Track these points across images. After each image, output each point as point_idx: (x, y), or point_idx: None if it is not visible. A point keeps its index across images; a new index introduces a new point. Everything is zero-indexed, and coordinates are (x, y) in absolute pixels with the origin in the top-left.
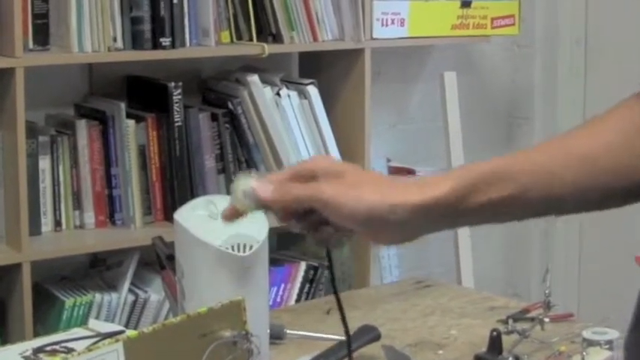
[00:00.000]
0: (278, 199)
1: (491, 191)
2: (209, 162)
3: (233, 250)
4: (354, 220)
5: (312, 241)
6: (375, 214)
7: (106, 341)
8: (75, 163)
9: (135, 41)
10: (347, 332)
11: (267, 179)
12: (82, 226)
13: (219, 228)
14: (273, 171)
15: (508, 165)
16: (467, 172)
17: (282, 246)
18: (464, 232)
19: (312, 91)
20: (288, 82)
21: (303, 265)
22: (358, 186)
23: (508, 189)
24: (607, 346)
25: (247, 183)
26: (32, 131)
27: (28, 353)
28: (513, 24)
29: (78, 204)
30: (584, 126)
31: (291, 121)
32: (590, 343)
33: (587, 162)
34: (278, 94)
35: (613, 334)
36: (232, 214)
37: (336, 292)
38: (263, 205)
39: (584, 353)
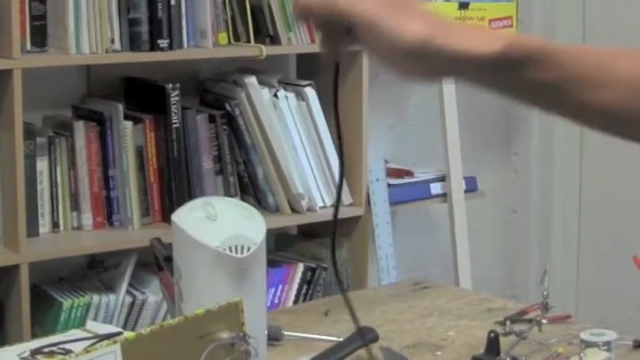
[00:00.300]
0: (313, 4)
1: (547, 69)
2: (207, 163)
3: (231, 251)
4: (389, 52)
5: (321, 50)
6: (418, 51)
7: (104, 343)
8: (72, 164)
9: (132, 43)
10: (356, 322)
11: None
12: (79, 228)
13: (217, 229)
14: (271, 173)
15: (568, 50)
16: (518, 40)
17: (280, 247)
18: (462, 233)
19: (310, 92)
20: (285, 84)
21: (300, 267)
22: (403, 9)
23: (562, 71)
24: (605, 348)
25: None
26: (30, 133)
27: (25, 355)
28: (511, 25)
29: (76, 205)
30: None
31: (289, 123)
32: (588, 345)
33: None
34: (276, 95)
35: (611, 335)
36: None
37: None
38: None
39: (582, 355)
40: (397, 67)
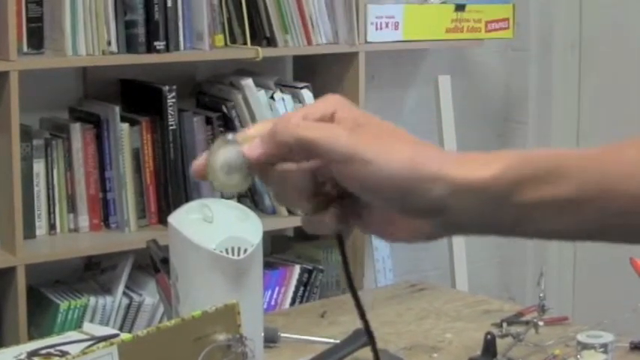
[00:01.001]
0: (271, 150)
1: (551, 187)
2: None
3: (227, 253)
4: (375, 187)
5: (311, 224)
6: (405, 182)
7: (101, 344)
8: (69, 166)
9: (129, 45)
10: (368, 330)
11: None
12: (76, 230)
13: (214, 231)
14: None
15: (574, 158)
16: (523, 157)
17: (277, 249)
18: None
19: (307, 94)
20: (282, 86)
21: (297, 269)
22: (386, 139)
23: (569, 188)
24: (602, 350)
25: (231, 150)
26: (26, 135)
27: (22, 357)
28: (508, 27)
29: (72, 207)
30: None
31: None
32: (585, 347)
33: None
34: (272, 97)
35: (608, 337)
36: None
37: (353, 289)
38: (255, 172)
39: (579, 356)
40: (388, 204)
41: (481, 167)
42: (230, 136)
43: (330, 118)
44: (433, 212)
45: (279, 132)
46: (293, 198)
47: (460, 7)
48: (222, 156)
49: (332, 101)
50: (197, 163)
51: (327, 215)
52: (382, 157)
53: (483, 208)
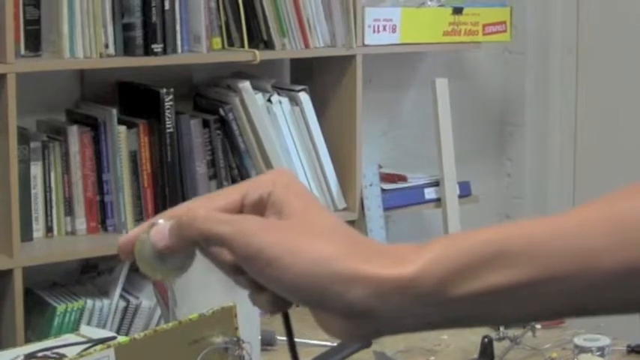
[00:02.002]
0: (177, 243)
1: (494, 274)
2: (200, 168)
3: None
4: (286, 288)
5: (253, 301)
6: (321, 283)
7: (98, 347)
8: (66, 169)
9: (126, 47)
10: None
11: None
12: (73, 232)
13: None
14: None
15: (520, 237)
16: (457, 244)
17: None
18: None
19: (304, 97)
20: (279, 89)
21: None
22: (304, 232)
23: (519, 272)
24: (598, 353)
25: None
26: (24, 137)
27: (19, 359)
28: (505, 31)
29: (69, 210)
30: (627, 190)
31: (283, 128)
32: (582, 350)
33: None
34: (269, 100)
35: (604, 340)
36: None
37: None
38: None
39: None
40: (305, 305)
41: (405, 262)
42: (160, 221)
43: (260, 202)
44: (358, 314)
45: (184, 226)
46: (227, 274)
47: (457, 11)
48: (141, 248)
49: (274, 179)
50: (122, 241)
51: (262, 296)
52: (288, 257)
53: (414, 307)
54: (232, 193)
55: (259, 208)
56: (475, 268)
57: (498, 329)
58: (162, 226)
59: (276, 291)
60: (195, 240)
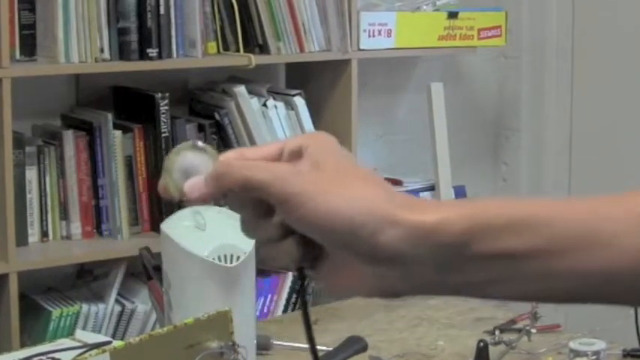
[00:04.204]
0: (213, 192)
1: (514, 239)
2: None
3: (220, 260)
4: (320, 227)
5: (270, 254)
6: (355, 222)
7: (93, 352)
8: (62, 173)
9: (122, 52)
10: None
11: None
12: (68, 237)
13: (206, 239)
14: None
15: (545, 209)
16: (485, 205)
17: None
18: None
19: (299, 101)
20: (274, 93)
21: (289, 276)
22: (339, 178)
23: (539, 241)
24: (594, 357)
25: (187, 160)
26: (19, 142)
27: None
28: (500, 35)
29: (65, 214)
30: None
31: (278, 132)
32: (577, 354)
33: None
34: (265, 104)
35: (600, 344)
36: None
37: (310, 335)
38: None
39: None
40: (336, 245)
41: (434, 211)
42: (200, 143)
43: (297, 151)
44: (385, 258)
45: (222, 176)
46: (250, 222)
47: (453, 15)
48: (185, 159)
49: (313, 136)
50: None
51: (284, 245)
52: (322, 197)
53: (437, 257)
54: (270, 146)
55: (295, 158)
56: (498, 229)
57: (494, 333)
58: (197, 179)
59: (308, 233)
60: (232, 188)
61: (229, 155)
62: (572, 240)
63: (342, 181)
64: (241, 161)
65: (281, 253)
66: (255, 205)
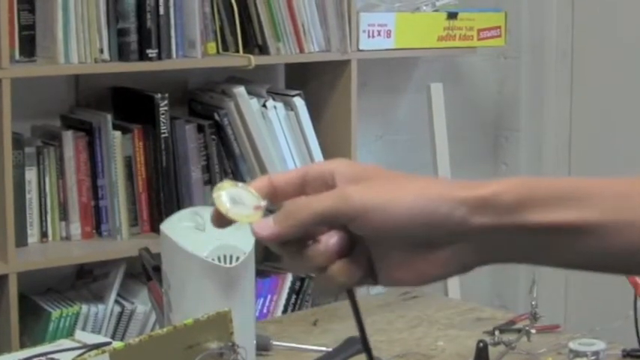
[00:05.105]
0: (288, 230)
1: (567, 211)
2: (195, 173)
3: (219, 261)
4: (396, 225)
5: (325, 288)
6: (428, 210)
7: (93, 352)
8: (61, 174)
9: (121, 53)
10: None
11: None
12: (68, 238)
13: (206, 239)
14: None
15: (595, 185)
16: (537, 179)
17: (269, 257)
18: None
19: (299, 102)
20: (274, 94)
21: (289, 277)
22: (393, 185)
23: (590, 214)
24: (593, 357)
25: (234, 192)
26: (18, 142)
27: None
28: (499, 35)
29: (64, 215)
30: None
31: (278, 133)
32: (577, 354)
33: None
34: (264, 105)
35: (600, 345)
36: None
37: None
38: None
39: None
40: (417, 240)
41: (489, 185)
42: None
43: (331, 177)
44: (459, 236)
45: (291, 213)
46: (296, 258)
47: (452, 16)
48: (230, 191)
49: (331, 161)
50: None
51: (336, 266)
52: (394, 200)
53: (502, 227)
54: (293, 172)
55: (319, 185)
56: (548, 201)
57: (494, 333)
58: (266, 220)
59: (388, 237)
60: (307, 224)
61: (258, 184)
62: (622, 214)
63: (394, 183)
64: (303, 199)
65: (334, 274)
66: (301, 240)
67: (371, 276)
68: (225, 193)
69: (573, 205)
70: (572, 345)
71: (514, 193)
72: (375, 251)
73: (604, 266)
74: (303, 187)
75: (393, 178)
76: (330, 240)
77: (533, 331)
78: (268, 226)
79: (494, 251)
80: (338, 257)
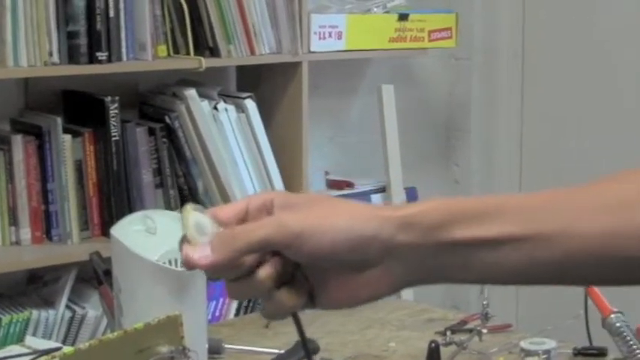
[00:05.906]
0: (224, 258)
1: (486, 227)
2: (146, 176)
3: (170, 264)
4: (331, 250)
5: (270, 313)
6: (357, 231)
7: (43, 358)
8: (11, 178)
9: (71, 55)
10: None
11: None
12: (18, 242)
13: (157, 243)
14: (211, 186)
15: (513, 200)
16: (457, 200)
17: None
18: None
19: (250, 104)
20: (225, 96)
21: None
22: (327, 209)
23: (509, 227)
24: (545, 356)
25: (198, 218)
26: None
27: None
28: (450, 37)
29: (14, 220)
30: (605, 179)
31: (229, 135)
32: (528, 354)
33: (625, 209)
34: (215, 107)
35: (550, 343)
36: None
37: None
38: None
39: None
40: (350, 262)
41: (415, 206)
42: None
43: (271, 205)
44: (386, 254)
45: (228, 242)
46: (238, 286)
47: (403, 17)
48: (195, 217)
49: (272, 192)
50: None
51: (281, 292)
52: (326, 225)
53: (427, 244)
54: (237, 204)
55: (261, 213)
56: (471, 217)
57: (445, 334)
58: (203, 249)
59: (321, 262)
60: (241, 251)
61: (213, 214)
62: (540, 226)
63: (328, 208)
64: (239, 227)
65: (280, 299)
66: (243, 268)
67: (312, 300)
68: (192, 221)
69: (495, 220)
70: (523, 344)
71: (438, 212)
72: (313, 275)
73: (531, 279)
74: (246, 216)
75: (326, 204)
76: (268, 267)
77: (484, 330)
78: (206, 256)
79: (421, 269)
80: (280, 283)
